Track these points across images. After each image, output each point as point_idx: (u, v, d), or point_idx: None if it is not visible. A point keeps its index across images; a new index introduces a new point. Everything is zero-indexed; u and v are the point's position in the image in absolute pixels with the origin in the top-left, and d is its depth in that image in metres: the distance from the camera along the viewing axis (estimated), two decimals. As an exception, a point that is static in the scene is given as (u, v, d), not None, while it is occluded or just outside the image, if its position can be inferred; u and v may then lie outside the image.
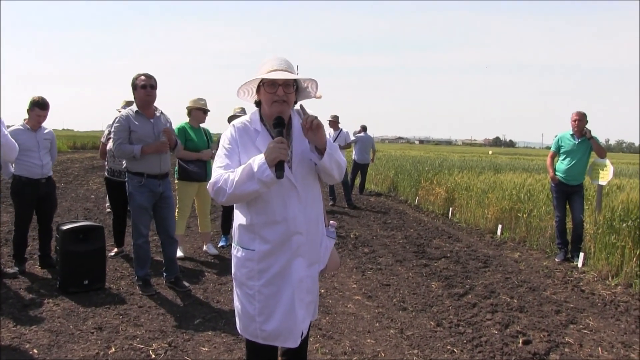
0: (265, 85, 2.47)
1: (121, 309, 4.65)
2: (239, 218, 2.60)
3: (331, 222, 2.82)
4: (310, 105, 2.62)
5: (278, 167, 2.34)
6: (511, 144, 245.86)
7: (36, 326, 4.17)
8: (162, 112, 5.23)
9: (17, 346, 3.81)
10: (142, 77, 4.97)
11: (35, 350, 3.75)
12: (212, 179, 2.48)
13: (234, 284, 2.65)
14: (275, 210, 2.48)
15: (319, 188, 2.68)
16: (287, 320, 2.52)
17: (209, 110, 6.63)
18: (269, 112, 2.52)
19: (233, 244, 2.64)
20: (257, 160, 2.36)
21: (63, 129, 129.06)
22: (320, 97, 2.72)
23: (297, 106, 2.65)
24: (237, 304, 2.64)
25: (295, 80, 2.53)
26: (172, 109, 6.52)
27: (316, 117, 2.42)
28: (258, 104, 2.60)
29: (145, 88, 4.96)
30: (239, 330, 2.66)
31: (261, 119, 2.58)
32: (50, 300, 4.79)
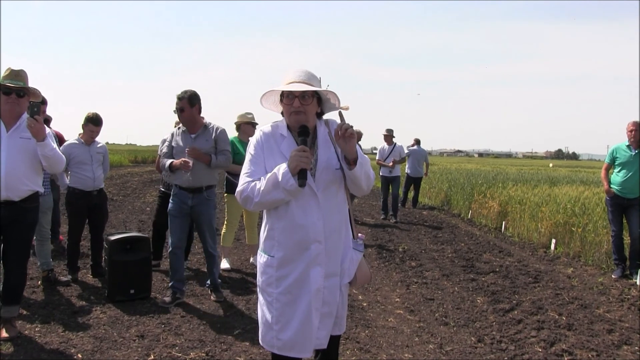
0: (285, 97, 2.56)
1: (164, 318, 4.76)
2: (264, 225, 2.68)
3: (359, 234, 2.81)
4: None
5: (300, 175, 2.39)
6: (574, 156, 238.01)
7: (82, 332, 4.33)
8: (207, 127, 5.23)
9: (64, 350, 3.96)
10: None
11: (79, 355, 3.89)
12: (239, 187, 2.57)
13: (258, 290, 2.71)
14: (295, 216, 2.53)
15: (343, 198, 2.69)
16: (302, 330, 2.54)
17: (257, 124, 6.75)
18: (288, 122, 2.60)
19: (259, 251, 2.70)
20: (282, 169, 2.42)
21: (126, 144, 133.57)
22: (346, 109, 2.73)
23: (336, 114, 2.67)
24: (258, 311, 2.70)
25: (316, 92, 2.58)
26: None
27: (351, 127, 2.43)
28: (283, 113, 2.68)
29: (176, 111, 5.15)
30: (259, 340, 2.69)
31: (287, 126, 2.64)
32: (98, 307, 4.96)
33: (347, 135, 2.43)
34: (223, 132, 5.32)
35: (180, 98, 5.07)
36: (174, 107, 5.13)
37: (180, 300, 5.21)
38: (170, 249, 5.24)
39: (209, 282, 5.52)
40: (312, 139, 2.62)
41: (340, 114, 2.61)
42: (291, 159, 2.40)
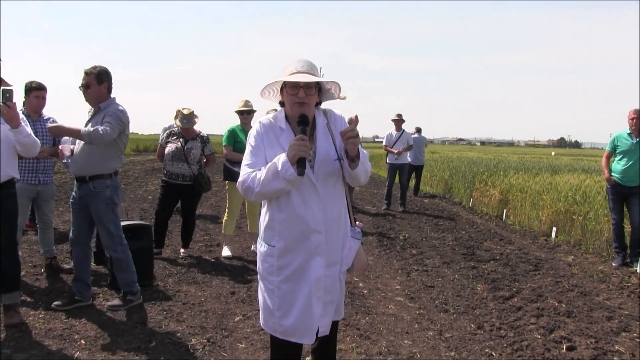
0: (288, 87, 2.54)
1: (166, 305, 4.80)
2: (264, 215, 2.69)
3: (357, 222, 2.83)
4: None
5: (299, 164, 2.38)
6: (577, 144, 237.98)
7: (85, 319, 4.37)
8: (102, 109, 4.47)
9: (67, 337, 4.00)
10: None
11: (82, 342, 3.93)
12: (241, 178, 2.57)
13: (258, 277, 2.74)
14: (295, 207, 2.54)
15: (341, 188, 2.70)
16: (303, 317, 2.58)
17: (254, 111, 6.74)
18: (291, 112, 2.59)
19: (259, 239, 2.72)
20: (282, 158, 2.41)
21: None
22: (344, 98, 2.74)
23: (353, 116, 2.62)
24: (260, 297, 2.73)
25: (317, 82, 2.57)
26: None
27: (357, 134, 2.42)
28: (282, 104, 2.67)
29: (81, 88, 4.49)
30: (261, 324, 2.74)
31: (286, 118, 2.64)
32: (101, 295, 5.00)
33: (349, 143, 2.43)
34: (116, 111, 4.42)
35: (87, 73, 4.40)
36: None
37: (80, 304, 4.64)
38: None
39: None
40: (311, 129, 2.62)
41: (356, 118, 2.55)
42: (290, 148, 2.39)
